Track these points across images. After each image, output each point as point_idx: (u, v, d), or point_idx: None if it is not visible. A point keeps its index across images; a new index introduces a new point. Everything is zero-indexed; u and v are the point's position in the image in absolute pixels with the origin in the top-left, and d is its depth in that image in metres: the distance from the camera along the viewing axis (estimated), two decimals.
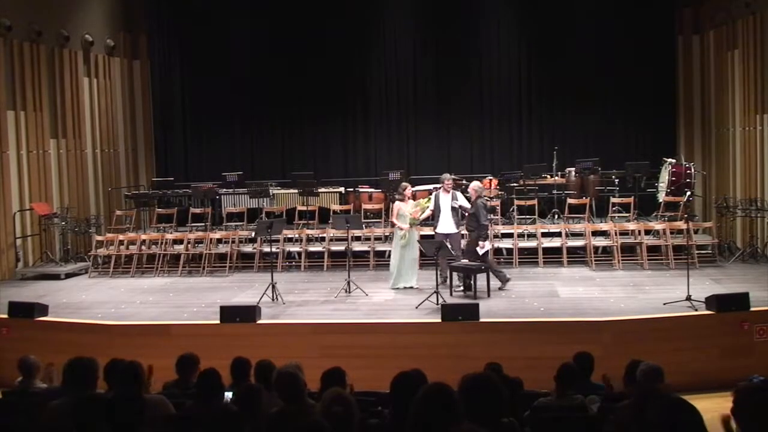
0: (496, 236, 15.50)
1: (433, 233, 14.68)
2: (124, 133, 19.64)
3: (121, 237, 16.24)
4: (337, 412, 4.41)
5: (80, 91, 17.81)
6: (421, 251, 13.50)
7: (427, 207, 13.54)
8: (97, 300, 13.51)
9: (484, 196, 13.35)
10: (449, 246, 12.72)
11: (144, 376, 6.03)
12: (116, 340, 11.00)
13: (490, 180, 16.85)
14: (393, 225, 13.78)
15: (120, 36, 19.54)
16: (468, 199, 13.46)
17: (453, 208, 13.25)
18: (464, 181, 16.33)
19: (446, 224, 13.34)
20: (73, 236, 16.75)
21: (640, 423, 4.98)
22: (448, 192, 13.40)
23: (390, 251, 15.45)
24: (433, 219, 13.64)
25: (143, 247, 16.12)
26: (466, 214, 13.25)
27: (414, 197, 13.89)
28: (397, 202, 13.65)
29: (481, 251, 12.88)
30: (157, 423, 5.34)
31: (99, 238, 16.36)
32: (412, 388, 4.56)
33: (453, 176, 14.05)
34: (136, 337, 11.16)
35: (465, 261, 13.00)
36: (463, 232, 13.67)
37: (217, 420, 4.57)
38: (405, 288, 13.32)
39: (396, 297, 13.01)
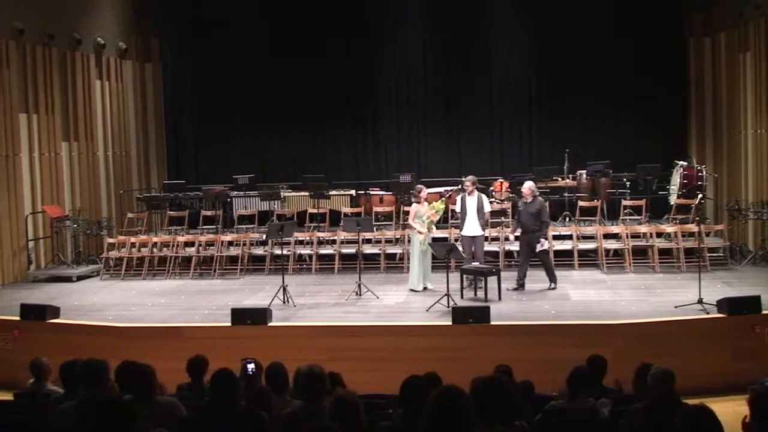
0: (506, 239, 15.50)
1: (445, 236, 14.79)
2: (135, 136, 19.71)
3: (132, 239, 16.29)
4: (343, 416, 4.41)
5: (92, 94, 17.88)
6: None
7: (441, 209, 13.57)
8: (108, 302, 13.55)
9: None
10: (461, 249, 12.84)
11: (155, 378, 6.04)
12: (127, 343, 11.01)
13: (501, 182, 16.84)
14: (411, 227, 13.70)
15: (132, 39, 19.61)
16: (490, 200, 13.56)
17: (478, 211, 13.26)
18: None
19: (472, 227, 13.35)
20: (85, 238, 16.81)
21: (651, 427, 4.97)
22: (473, 194, 13.39)
23: (400, 254, 15.57)
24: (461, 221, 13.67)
25: (155, 250, 16.17)
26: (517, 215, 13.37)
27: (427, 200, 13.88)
28: (413, 205, 13.67)
29: (540, 247, 13.03)
30: (169, 425, 5.35)
31: (110, 240, 16.42)
32: (423, 391, 4.57)
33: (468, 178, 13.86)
34: (148, 339, 11.19)
35: (476, 264, 13.02)
36: (486, 234, 13.89)
37: (236, 422, 4.58)
38: (425, 289, 13.30)
39: (407, 299, 13.01)
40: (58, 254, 16.39)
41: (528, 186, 13.36)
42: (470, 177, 13.70)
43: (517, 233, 13.72)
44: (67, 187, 17.04)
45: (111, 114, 18.63)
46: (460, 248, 13.05)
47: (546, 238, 13.28)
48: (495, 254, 15.20)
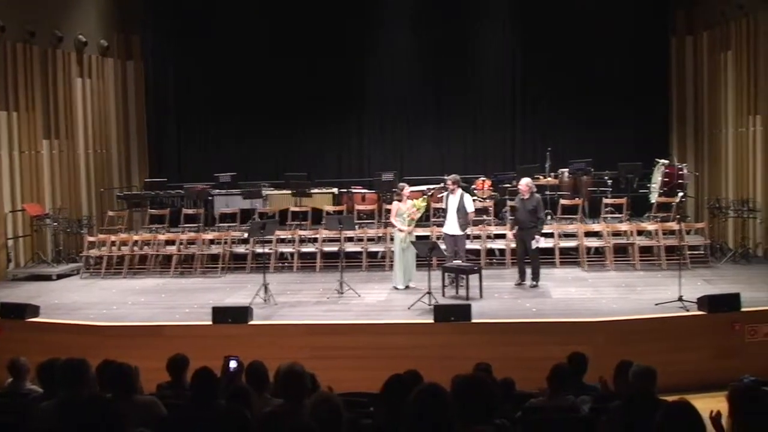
0: (488, 237, 15.54)
1: (427, 233, 14.86)
2: (116, 134, 19.60)
3: (113, 238, 16.20)
4: (324, 416, 4.40)
5: (73, 92, 17.77)
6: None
7: (423, 207, 13.59)
8: (88, 301, 13.47)
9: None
10: (443, 247, 12.89)
11: (136, 377, 6.00)
12: (108, 342, 10.96)
13: (483, 181, 16.86)
14: (392, 225, 13.74)
15: (113, 36, 19.48)
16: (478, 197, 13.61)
17: (458, 210, 13.26)
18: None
19: (452, 225, 13.36)
20: (65, 237, 16.69)
21: (630, 424, 4.99)
22: (456, 193, 13.40)
23: (383, 252, 15.59)
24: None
25: (135, 248, 16.09)
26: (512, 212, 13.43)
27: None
28: (395, 203, 13.67)
29: (535, 244, 13.12)
30: (150, 424, 5.32)
31: (91, 238, 16.33)
32: (406, 390, 4.56)
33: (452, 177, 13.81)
34: (128, 338, 11.15)
35: (458, 262, 13.04)
36: (468, 233, 13.93)
37: (217, 420, 4.56)
38: (407, 288, 13.30)
39: (388, 298, 13.01)
40: (38, 253, 16.28)
41: (526, 182, 13.42)
42: (452, 176, 13.69)
43: (513, 230, 13.81)
44: (47, 185, 16.92)
45: (92, 112, 18.51)
46: (443, 246, 13.09)
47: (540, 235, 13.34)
48: (477, 252, 15.22)
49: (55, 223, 16.32)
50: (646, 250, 15.18)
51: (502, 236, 15.68)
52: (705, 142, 18.13)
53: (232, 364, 6.75)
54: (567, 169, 16.93)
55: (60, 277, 15.57)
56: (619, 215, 16.15)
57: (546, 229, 15.56)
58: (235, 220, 17.08)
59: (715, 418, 4.57)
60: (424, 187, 16.54)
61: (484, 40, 19.85)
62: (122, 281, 15.22)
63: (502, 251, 15.52)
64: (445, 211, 13.58)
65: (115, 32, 19.54)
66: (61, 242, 16.55)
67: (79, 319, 11.99)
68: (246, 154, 20.02)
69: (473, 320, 10.86)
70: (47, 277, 15.43)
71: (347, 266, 14.64)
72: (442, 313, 10.98)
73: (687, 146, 18.74)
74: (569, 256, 15.41)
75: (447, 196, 13.56)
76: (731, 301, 10.90)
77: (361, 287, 13.36)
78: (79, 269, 15.92)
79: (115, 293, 14.10)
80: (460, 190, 13.47)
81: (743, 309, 10.86)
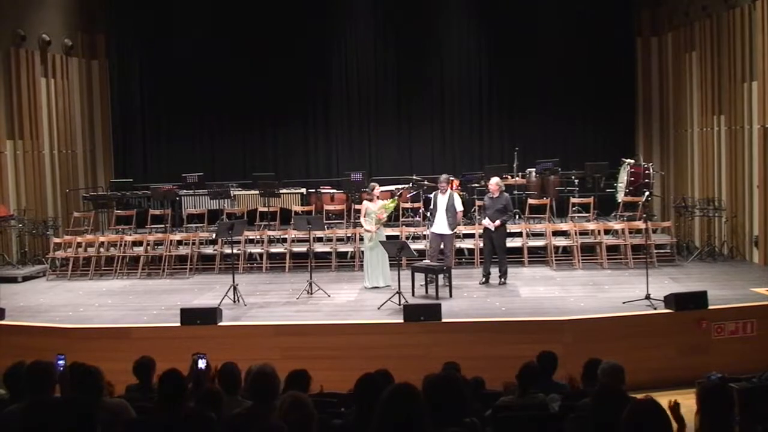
0: (457, 236, 15.57)
1: (397, 234, 14.86)
2: (82, 134, 19.39)
3: (79, 239, 16.03)
4: (294, 417, 4.38)
5: (37, 92, 17.53)
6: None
7: (391, 208, 13.61)
8: (55, 303, 13.33)
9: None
10: (414, 247, 12.90)
11: (103, 380, 5.94)
12: (75, 344, 10.83)
13: (452, 180, 16.87)
14: (362, 225, 13.75)
15: (78, 36, 19.27)
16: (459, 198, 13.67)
17: (447, 209, 13.29)
18: (426, 182, 16.44)
19: (441, 225, 13.37)
20: (31, 238, 16.51)
21: (599, 421, 5.01)
22: (445, 193, 13.42)
23: (351, 252, 15.60)
24: (431, 218, 13.79)
25: (102, 250, 15.94)
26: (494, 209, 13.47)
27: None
28: (365, 202, 13.68)
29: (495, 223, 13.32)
30: (117, 427, 5.27)
31: (57, 240, 16.15)
32: (377, 390, 4.55)
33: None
34: (95, 340, 11.04)
35: (427, 261, 13.05)
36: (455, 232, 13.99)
37: (184, 424, 4.52)
38: (375, 288, 13.29)
39: (358, 298, 13.00)
40: (2, 254, 16.07)
41: (495, 181, 13.57)
42: (444, 175, 13.75)
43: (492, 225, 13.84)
44: (11, 186, 16.69)
45: (57, 112, 18.29)
46: (414, 246, 13.09)
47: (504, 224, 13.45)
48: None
49: (20, 225, 16.14)
50: (613, 249, 15.29)
51: (471, 236, 15.73)
52: (670, 142, 18.32)
53: (201, 362, 6.71)
54: (534, 169, 17.03)
55: (25, 279, 15.39)
56: (586, 214, 16.26)
57: (514, 229, 15.68)
58: (203, 221, 16.98)
59: (673, 408, 4.62)
60: (392, 187, 16.55)
61: (450, 39, 19.90)
62: (89, 283, 15.07)
63: (471, 251, 15.56)
64: (432, 210, 13.58)
65: (79, 31, 19.33)
66: (27, 244, 16.38)
67: (45, 321, 11.86)
68: (213, 154, 19.96)
69: (443, 320, 10.87)
70: (12, 279, 15.23)
71: (316, 266, 14.61)
72: (411, 312, 10.99)
73: (653, 146, 18.92)
74: (537, 255, 15.50)
75: (436, 196, 13.58)
76: (698, 299, 11.00)
77: (331, 287, 13.33)
78: (45, 271, 15.75)
79: (82, 295, 13.97)
80: (449, 190, 13.52)
81: (710, 307, 10.96)
